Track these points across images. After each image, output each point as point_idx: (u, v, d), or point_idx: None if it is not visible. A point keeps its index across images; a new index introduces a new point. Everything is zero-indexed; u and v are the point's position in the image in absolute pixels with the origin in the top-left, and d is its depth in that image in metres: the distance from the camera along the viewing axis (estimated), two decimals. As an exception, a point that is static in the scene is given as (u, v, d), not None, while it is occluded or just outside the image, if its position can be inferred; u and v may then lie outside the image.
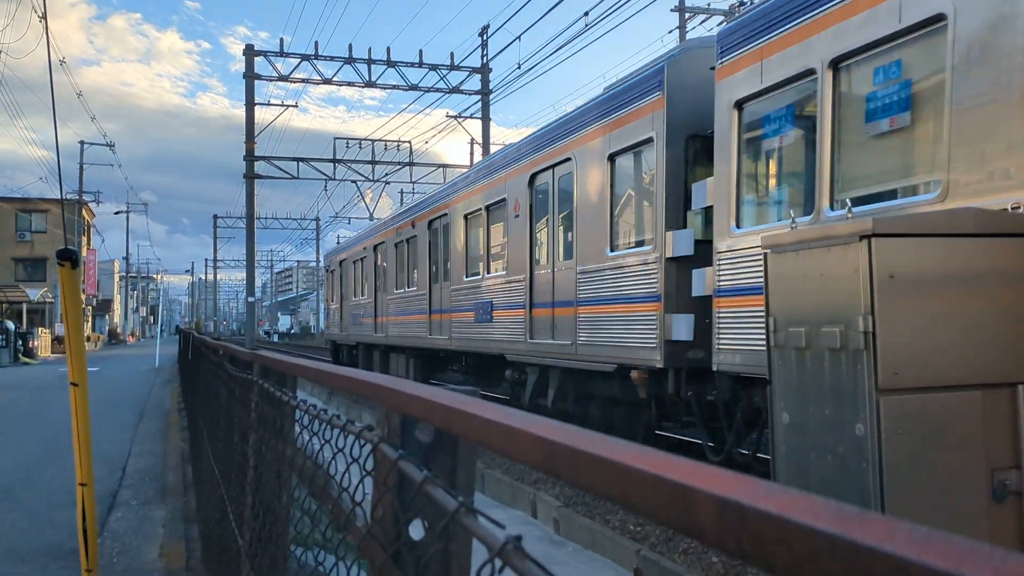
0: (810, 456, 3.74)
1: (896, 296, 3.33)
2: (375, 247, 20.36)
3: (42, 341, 41.39)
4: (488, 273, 13.28)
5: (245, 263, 36.63)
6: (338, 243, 33.97)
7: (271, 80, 33.25)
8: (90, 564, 4.56)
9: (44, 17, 6.06)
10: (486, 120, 36.15)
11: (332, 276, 26.57)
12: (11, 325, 36.66)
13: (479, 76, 35.28)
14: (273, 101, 35.06)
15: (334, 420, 1.75)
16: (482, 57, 34.92)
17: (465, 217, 14.21)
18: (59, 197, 48.39)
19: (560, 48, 25.62)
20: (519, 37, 25.40)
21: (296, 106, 36.25)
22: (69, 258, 4.16)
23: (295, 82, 33.22)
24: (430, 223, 15.95)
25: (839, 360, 3.50)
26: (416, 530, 1.40)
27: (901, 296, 3.34)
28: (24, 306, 45.10)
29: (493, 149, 36.74)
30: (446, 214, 15.04)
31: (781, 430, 3.87)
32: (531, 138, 11.89)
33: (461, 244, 14.25)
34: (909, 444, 3.32)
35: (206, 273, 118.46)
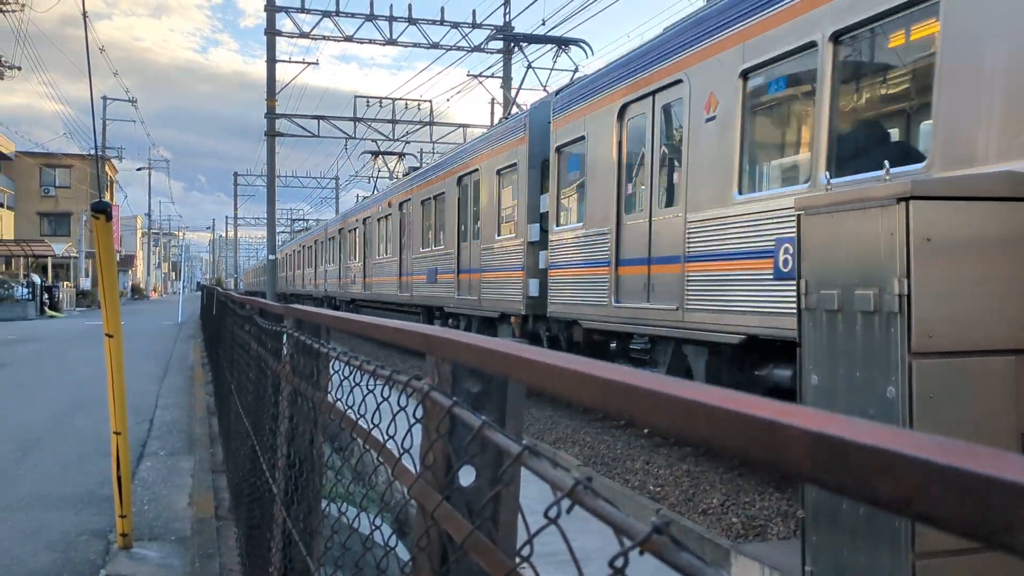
0: (837, 418, 3.75)
1: (932, 259, 3.30)
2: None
3: (66, 295, 41.89)
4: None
5: (265, 221, 36.78)
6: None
7: (292, 37, 33.07)
8: (124, 510, 4.66)
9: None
10: (507, 79, 35.84)
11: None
12: (37, 279, 37.10)
13: (501, 36, 34.91)
14: (288, 58, 34.87)
15: (379, 371, 1.78)
16: (505, 15, 34.52)
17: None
18: (81, 152, 48.50)
19: (586, 6, 25.29)
20: (544, -6, 24.98)
21: (317, 63, 36.10)
22: (103, 211, 4.20)
23: (316, 39, 33.02)
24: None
25: (872, 323, 3.49)
26: (464, 477, 1.43)
27: (937, 259, 3.32)
28: (49, 260, 45.59)
29: (514, 109, 36.50)
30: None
31: (810, 392, 3.88)
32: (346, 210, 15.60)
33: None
34: (940, 407, 3.32)
35: (226, 230, 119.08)
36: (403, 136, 36.34)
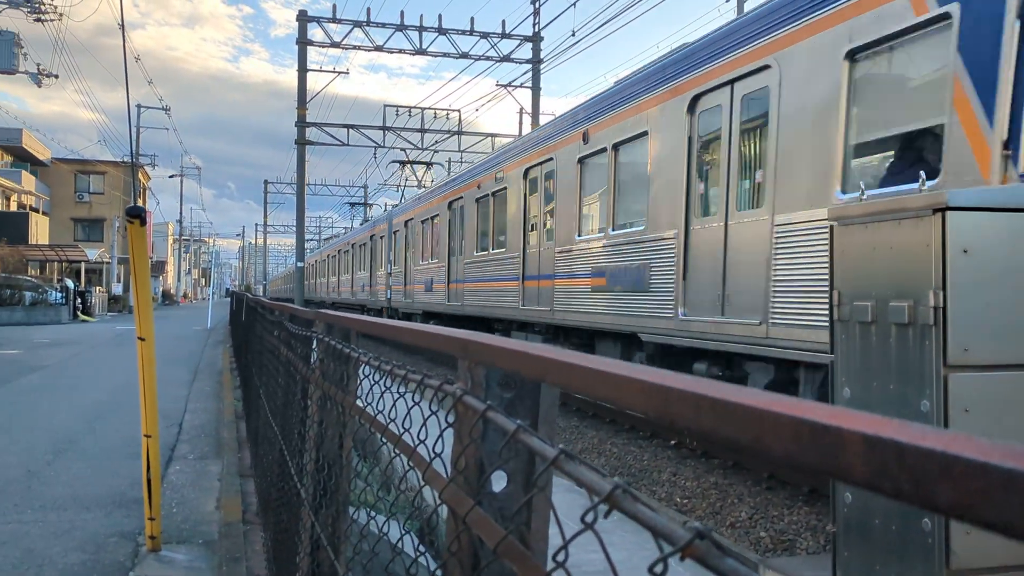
0: (870, 432, 3.70)
1: (968, 271, 3.25)
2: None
3: (99, 299, 42.47)
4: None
5: (294, 229, 37.07)
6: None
7: (323, 47, 33.38)
8: (153, 512, 4.70)
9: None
10: (536, 90, 35.88)
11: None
12: (71, 283, 37.65)
13: (530, 45, 34.98)
14: (318, 67, 35.25)
15: (410, 375, 1.78)
16: (534, 25, 34.60)
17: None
18: (114, 159, 49.17)
19: (615, 16, 25.31)
20: (575, 3, 25.06)
21: (347, 72, 36.41)
22: (138, 215, 4.25)
23: (346, 48, 33.30)
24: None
25: (906, 335, 3.44)
26: (495, 482, 1.42)
27: (974, 271, 3.26)
28: (82, 265, 46.26)
29: (543, 120, 36.53)
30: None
31: (842, 405, 3.82)
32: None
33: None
34: (975, 422, 3.26)
35: (255, 237, 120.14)
36: (432, 145, 36.51)
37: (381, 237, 26.89)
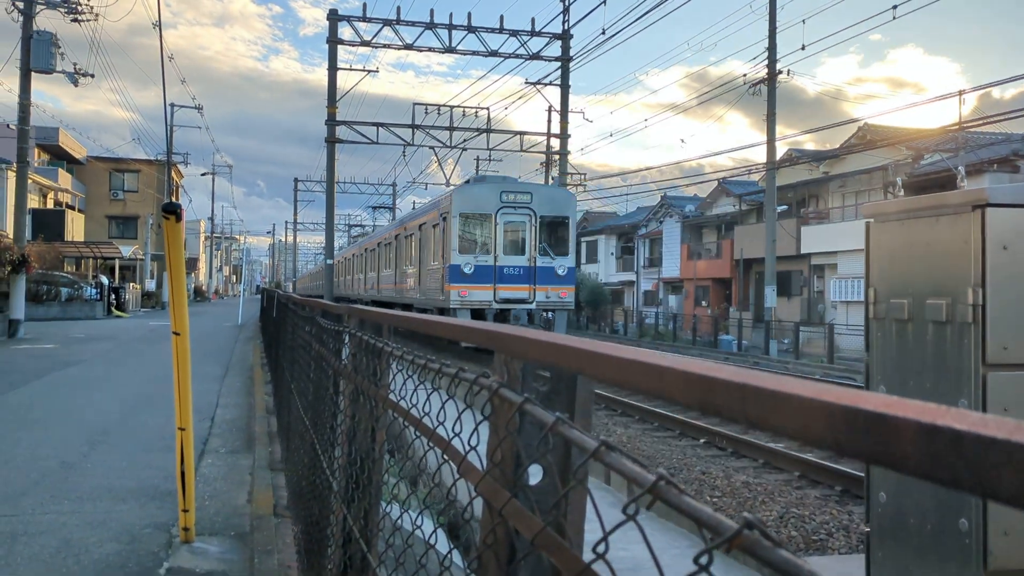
0: (905, 431, 3.65)
1: (1008, 268, 3.19)
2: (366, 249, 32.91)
3: (132, 296, 43.05)
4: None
5: (324, 226, 37.33)
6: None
7: (353, 45, 33.55)
8: (187, 504, 4.75)
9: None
10: (565, 87, 35.79)
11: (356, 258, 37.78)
12: (105, 280, 38.19)
13: (559, 42, 34.91)
14: (347, 66, 35.47)
15: (444, 369, 1.78)
16: (563, 23, 34.53)
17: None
18: (148, 157, 49.84)
19: (646, 13, 25.19)
20: (604, 1, 24.96)
21: (377, 71, 36.56)
22: (173, 211, 4.30)
23: (376, 47, 33.43)
24: (396, 235, 28.03)
25: (944, 333, 3.39)
26: (532, 475, 1.42)
27: (1013, 268, 3.21)
28: (117, 262, 46.90)
29: (572, 116, 36.45)
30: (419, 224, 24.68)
31: (877, 403, 3.78)
32: (403, 216, 29.73)
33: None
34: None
35: (286, 235, 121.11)
36: (460, 143, 36.54)
37: (366, 251, 36.31)
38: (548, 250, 19.66)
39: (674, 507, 0.78)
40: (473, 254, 19.37)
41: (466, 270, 19.23)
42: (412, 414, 2.04)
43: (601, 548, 0.92)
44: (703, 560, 0.71)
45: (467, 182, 22.56)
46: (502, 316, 19.31)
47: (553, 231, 19.95)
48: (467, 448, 1.56)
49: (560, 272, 19.66)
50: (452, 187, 25.78)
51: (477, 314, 18.95)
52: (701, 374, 0.79)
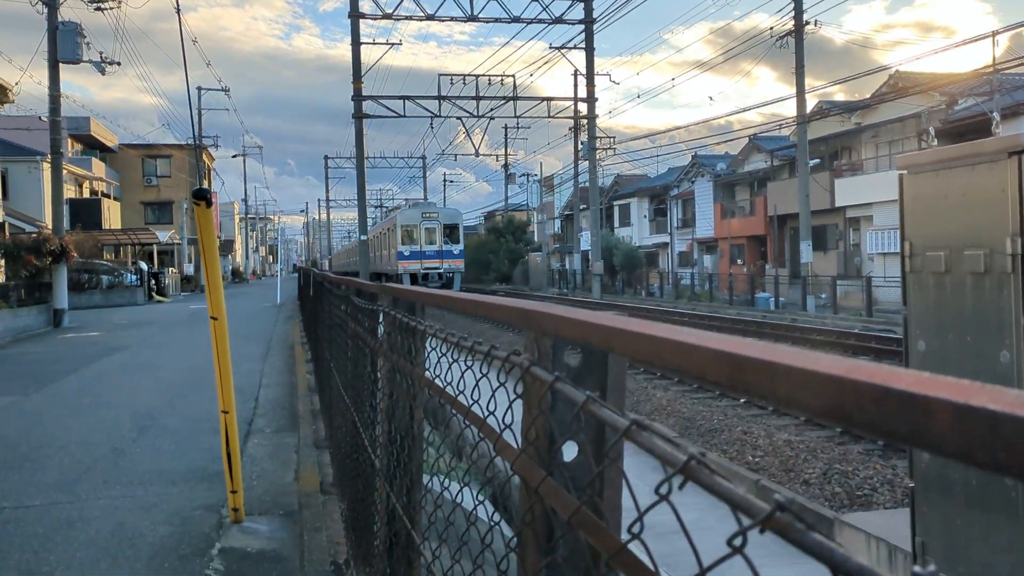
0: (948, 385, 3.60)
1: (1050, 216, 3.11)
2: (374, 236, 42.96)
3: (172, 280, 43.70)
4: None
5: (356, 203, 37.52)
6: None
7: (375, 19, 33.41)
8: (235, 485, 4.84)
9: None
10: (590, 51, 35.39)
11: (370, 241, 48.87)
12: (144, 266, 38.78)
13: (582, 4, 34.46)
14: (369, 40, 35.43)
15: (476, 346, 1.78)
16: (586, -17, 34.04)
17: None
18: (179, 142, 50.35)
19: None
20: (624, -40, 24.53)
21: (400, 44, 36.42)
22: (203, 197, 4.33)
23: (398, 19, 33.25)
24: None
25: (982, 285, 3.32)
26: (567, 452, 1.42)
27: (1055, 215, 3.12)
28: (154, 247, 47.58)
29: (598, 79, 36.08)
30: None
31: (917, 358, 3.72)
32: (379, 223, 46.74)
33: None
34: (1061, 372, 3.15)
35: (319, 213, 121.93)
36: (488, 112, 36.35)
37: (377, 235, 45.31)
38: (448, 241, 35.88)
39: (706, 487, 0.78)
40: (408, 245, 35.53)
41: (405, 253, 35.36)
42: (448, 392, 2.05)
43: (637, 528, 0.92)
44: (737, 542, 0.71)
45: (404, 207, 41.32)
46: (425, 277, 34.79)
47: (450, 231, 36.19)
48: (502, 426, 1.56)
49: (455, 252, 35.93)
50: (399, 208, 44.47)
51: (413, 277, 34.49)
52: (730, 351, 0.78)
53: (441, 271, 35.17)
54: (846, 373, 0.61)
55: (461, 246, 36.37)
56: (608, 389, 1.42)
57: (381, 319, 3.36)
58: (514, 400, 1.51)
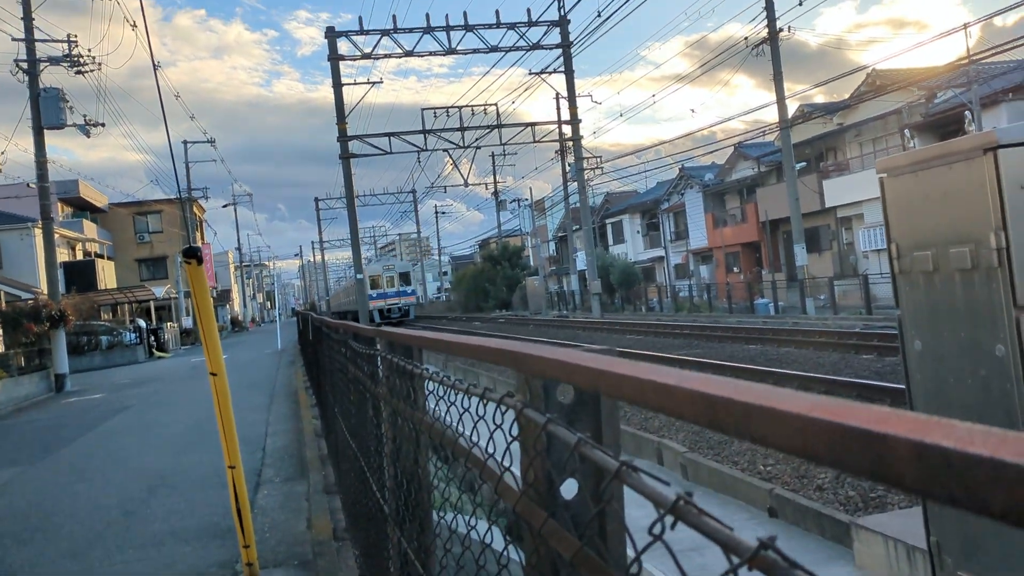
0: (948, 382, 3.61)
1: (1030, 208, 3.15)
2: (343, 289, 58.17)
3: (171, 335, 43.65)
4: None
5: (350, 242, 37.61)
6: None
7: (354, 60, 33.68)
8: (247, 540, 4.83)
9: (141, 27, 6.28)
10: (569, 73, 35.70)
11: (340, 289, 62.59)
12: (143, 323, 38.76)
13: (558, 30, 34.80)
14: (351, 80, 35.66)
15: (471, 389, 1.80)
16: (559, 9, 34.41)
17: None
18: (168, 197, 50.50)
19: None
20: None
21: (381, 82, 36.69)
22: (193, 255, 4.36)
23: (378, 57, 33.54)
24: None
25: (971, 280, 3.35)
26: (567, 490, 1.43)
27: (1036, 207, 3.16)
28: (151, 303, 47.58)
29: (580, 101, 36.34)
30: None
31: (915, 358, 3.74)
32: (349, 276, 59.17)
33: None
34: (1057, 361, 3.16)
35: (313, 255, 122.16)
36: (473, 142, 36.56)
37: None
38: (402, 284, 52.63)
39: (694, 527, 0.79)
40: (375, 290, 48.28)
41: (373, 295, 46.68)
42: (448, 435, 2.06)
43: (634, 569, 0.93)
44: (727, 581, 0.72)
45: (371, 262, 55.71)
46: (389, 311, 50.70)
47: (404, 277, 53.13)
48: (502, 469, 1.58)
49: (408, 291, 53.07)
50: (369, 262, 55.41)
51: (380, 312, 48.94)
52: (705, 392, 0.80)
53: (400, 305, 52.28)
54: (809, 411, 0.63)
55: (412, 287, 54.71)
56: (603, 424, 1.44)
57: (379, 363, 3.37)
58: (511, 442, 1.53)
